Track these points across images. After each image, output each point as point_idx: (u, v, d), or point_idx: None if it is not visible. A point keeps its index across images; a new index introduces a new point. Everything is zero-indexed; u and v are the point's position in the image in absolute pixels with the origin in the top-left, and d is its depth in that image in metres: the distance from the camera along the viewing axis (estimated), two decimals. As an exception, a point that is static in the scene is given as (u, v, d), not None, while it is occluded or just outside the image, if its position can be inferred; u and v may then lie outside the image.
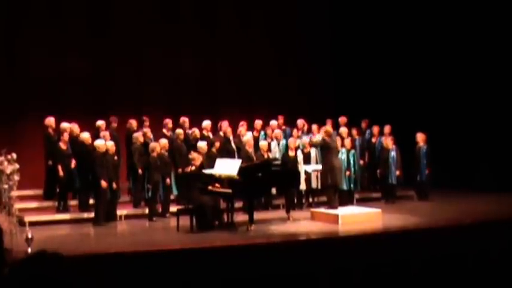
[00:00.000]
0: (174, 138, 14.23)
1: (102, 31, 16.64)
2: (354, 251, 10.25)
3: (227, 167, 12.20)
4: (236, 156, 13.91)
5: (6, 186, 10.95)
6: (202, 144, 13.50)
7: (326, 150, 13.37)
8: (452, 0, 16.77)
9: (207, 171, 12.48)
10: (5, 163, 10.97)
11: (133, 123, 14.70)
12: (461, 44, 16.65)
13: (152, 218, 13.15)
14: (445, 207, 14.07)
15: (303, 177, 13.95)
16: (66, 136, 13.43)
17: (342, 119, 16.03)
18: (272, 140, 14.97)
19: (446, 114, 16.81)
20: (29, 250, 9.37)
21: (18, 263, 2.43)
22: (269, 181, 12.58)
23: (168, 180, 13.57)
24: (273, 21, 18.58)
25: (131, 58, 16.84)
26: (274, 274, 9.29)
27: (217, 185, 12.15)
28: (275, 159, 13.85)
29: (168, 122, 14.78)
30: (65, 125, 13.64)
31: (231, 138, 14.70)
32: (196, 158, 12.42)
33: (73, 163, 13.40)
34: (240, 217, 12.59)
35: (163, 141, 13.68)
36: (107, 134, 13.68)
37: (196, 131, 14.61)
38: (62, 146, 13.37)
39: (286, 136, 15.43)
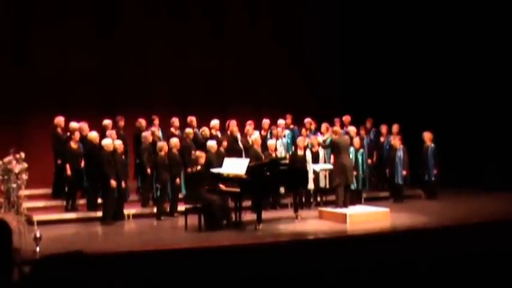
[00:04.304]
0: (183, 138, 14.22)
1: (110, 30, 16.67)
2: (362, 250, 10.22)
3: (235, 166, 12.21)
4: (243, 155, 13.91)
5: (14, 185, 10.99)
6: (212, 143, 13.54)
7: (336, 149, 13.39)
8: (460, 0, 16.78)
9: (215, 170, 12.49)
10: (14, 162, 11.02)
11: (142, 122, 14.69)
12: (468, 43, 16.61)
13: (160, 217, 13.18)
14: (453, 206, 14.05)
15: (311, 176, 13.94)
16: (77, 135, 13.45)
17: (346, 118, 16.00)
18: (278, 139, 14.96)
19: (453, 113, 16.77)
20: (37, 249, 9.38)
21: (42, 261, 2.43)
22: (277, 180, 12.57)
23: (178, 179, 13.56)
24: (281, 20, 18.57)
25: (139, 57, 16.87)
26: (282, 273, 9.29)
27: (222, 185, 12.16)
28: (283, 158, 13.84)
29: (175, 120, 14.77)
30: (74, 124, 13.67)
31: (239, 137, 14.70)
32: (201, 157, 12.41)
33: (82, 162, 13.44)
34: (248, 216, 12.58)
35: (174, 140, 13.66)
36: (113, 133, 13.67)
37: (206, 130, 14.64)
38: (73, 145, 13.39)
39: (295, 135, 15.44)
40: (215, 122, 15.02)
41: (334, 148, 13.45)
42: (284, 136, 15.38)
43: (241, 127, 15.04)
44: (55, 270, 2.35)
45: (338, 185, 13.29)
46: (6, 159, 11.07)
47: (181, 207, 13.13)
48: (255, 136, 14.33)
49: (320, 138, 14.89)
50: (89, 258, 2.41)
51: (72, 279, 2.33)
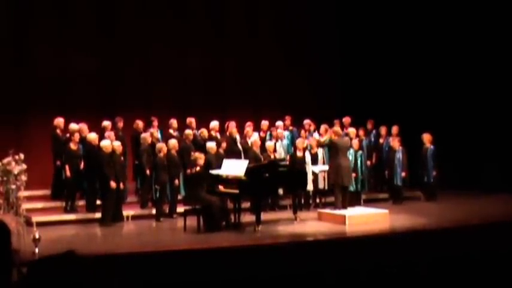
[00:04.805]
0: (182, 139, 14.21)
1: (110, 31, 16.66)
2: (361, 252, 10.22)
3: (234, 168, 12.20)
4: (242, 156, 13.91)
5: (13, 186, 10.97)
6: (211, 145, 13.53)
7: (333, 150, 13.36)
8: (460, 1, 16.74)
9: (214, 171, 12.49)
10: (13, 163, 10.99)
11: (140, 123, 14.68)
12: (467, 45, 16.61)
13: (159, 219, 13.17)
14: (452, 208, 14.05)
15: (310, 177, 13.92)
16: (77, 137, 13.44)
17: (346, 119, 15.96)
18: (277, 140, 14.94)
19: (452, 114, 16.77)
20: (36, 250, 9.38)
21: (39, 262, 2.43)
22: (276, 182, 12.57)
23: (176, 181, 13.56)
24: (280, 21, 18.57)
25: (139, 58, 16.86)
26: (281, 275, 9.28)
27: (221, 187, 12.16)
28: (282, 159, 13.84)
29: (173, 122, 14.76)
30: (74, 125, 13.67)
31: (238, 138, 14.69)
32: (200, 158, 12.40)
33: (82, 164, 13.43)
34: (247, 218, 12.58)
35: (173, 142, 13.66)
36: (111, 134, 13.66)
37: (204, 132, 14.64)
38: (73, 146, 13.39)
39: (294, 136, 15.43)
40: (214, 124, 15.00)
41: (333, 148, 13.41)
42: (284, 137, 15.36)
43: (241, 128, 15.04)
44: (48, 272, 2.35)
45: (333, 185, 13.27)
46: (5, 160, 11.05)
47: (180, 209, 13.11)
48: (254, 137, 14.33)
49: (317, 135, 14.92)
50: (81, 258, 2.40)
51: (65, 280, 2.33)
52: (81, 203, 13.65)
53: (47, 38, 15.92)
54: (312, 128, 15.78)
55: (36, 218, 12.35)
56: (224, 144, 14.22)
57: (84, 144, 13.53)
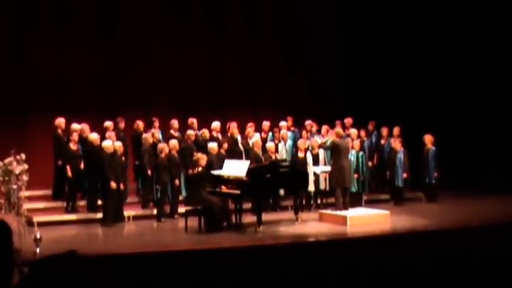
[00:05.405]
0: (183, 139, 14.21)
1: (111, 31, 16.66)
2: (362, 253, 10.21)
3: (236, 168, 12.21)
4: (244, 157, 13.91)
5: (15, 186, 10.98)
6: (213, 145, 13.53)
7: (336, 151, 13.36)
8: (461, 2, 16.73)
9: (215, 172, 12.49)
10: (14, 163, 11.01)
11: (140, 124, 14.67)
12: (468, 46, 16.61)
13: (160, 219, 13.17)
14: (453, 209, 14.05)
15: (311, 178, 13.92)
16: (75, 137, 13.45)
17: (348, 120, 15.95)
18: (279, 141, 14.95)
19: (453, 115, 16.78)
20: (38, 250, 9.38)
21: (41, 261, 2.43)
22: (277, 182, 12.58)
23: (177, 181, 13.56)
24: (282, 22, 18.56)
25: (140, 58, 16.84)
26: (282, 275, 9.28)
27: (223, 186, 12.16)
28: (283, 160, 13.84)
29: (174, 122, 14.76)
30: (75, 125, 13.67)
31: (239, 139, 14.69)
32: (202, 159, 12.40)
33: (82, 164, 13.43)
34: (249, 218, 12.58)
35: (173, 142, 13.67)
36: (112, 134, 13.65)
37: (206, 132, 14.64)
38: (72, 146, 13.39)
39: (296, 137, 15.42)
40: (216, 124, 15.01)
41: (334, 150, 13.42)
42: (288, 138, 15.33)
43: (242, 129, 15.03)
44: (49, 272, 2.35)
45: (335, 187, 13.27)
46: (6, 160, 11.06)
47: (181, 209, 13.12)
48: (255, 138, 14.33)
49: (318, 138, 14.91)
50: (82, 258, 2.40)
51: (67, 280, 2.33)
52: (82, 203, 13.65)
53: (47, 38, 15.91)
54: (314, 128, 15.76)
55: (37, 218, 12.35)
56: (225, 145, 14.22)
57: (84, 144, 13.53)
